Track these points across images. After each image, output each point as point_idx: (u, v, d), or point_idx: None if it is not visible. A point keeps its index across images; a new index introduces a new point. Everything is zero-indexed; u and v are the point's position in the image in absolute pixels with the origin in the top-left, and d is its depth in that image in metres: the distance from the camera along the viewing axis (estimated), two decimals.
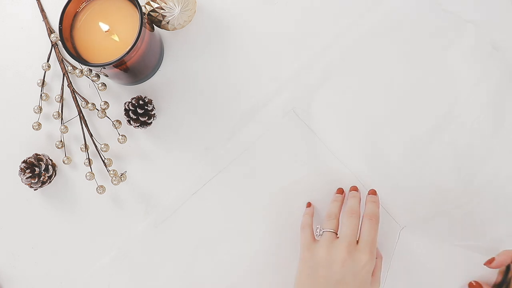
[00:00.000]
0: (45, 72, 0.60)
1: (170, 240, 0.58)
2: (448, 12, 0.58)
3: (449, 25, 0.58)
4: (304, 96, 0.59)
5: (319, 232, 0.52)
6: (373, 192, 0.55)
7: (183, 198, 0.58)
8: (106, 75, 0.55)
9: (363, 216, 0.52)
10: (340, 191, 0.56)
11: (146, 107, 0.56)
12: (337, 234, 0.51)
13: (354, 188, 0.56)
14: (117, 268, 0.57)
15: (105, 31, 0.52)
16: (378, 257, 0.53)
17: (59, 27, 0.50)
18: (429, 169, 0.56)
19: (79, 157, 0.59)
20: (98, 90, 0.58)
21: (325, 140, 0.58)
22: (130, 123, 0.56)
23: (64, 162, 0.58)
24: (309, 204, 0.56)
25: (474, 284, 0.54)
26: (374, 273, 0.51)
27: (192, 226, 0.57)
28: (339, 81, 0.58)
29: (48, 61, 0.60)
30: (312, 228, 0.54)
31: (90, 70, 0.56)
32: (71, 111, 0.59)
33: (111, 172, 0.56)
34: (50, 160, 0.58)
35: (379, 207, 0.54)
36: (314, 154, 0.58)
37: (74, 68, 0.58)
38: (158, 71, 0.60)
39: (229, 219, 0.57)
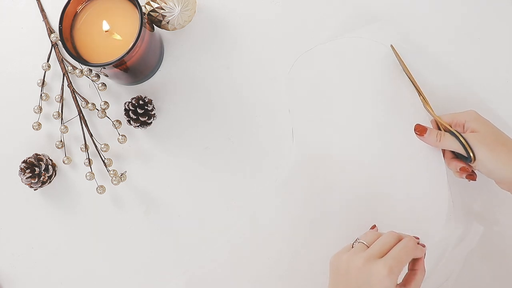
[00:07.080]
0: (45, 72, 0.60)
1: (170, 240, 0.57)
2: None
3: None
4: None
5: (355, 242, 0.50)
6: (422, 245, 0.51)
7: (183, 198, 0.58)
8: (106, 75, 0.55)
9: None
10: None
11: (146, 107, 0.56)
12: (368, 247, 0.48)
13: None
14: (117, 268, 0.58)
15: (105, 31, 0.52)
16: (418, 269, 0.49)
17: (59, 27, 0.50)
18: None
19: (79, 157, 0.59)
20: (98, 90, 0.58)
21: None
22: (130, 123, 0.56)
23: (64, 162, 0.58)
24: (373, 227, 0.54)
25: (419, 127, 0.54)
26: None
27: (192, 226, 0.57)
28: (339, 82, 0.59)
29: (48, 61, 0.60)
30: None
31: (90, 70, 0.56)
32: (71, 111, 0.59)
33: (111, 172, 0.56)
34: (50, 160, 0.58)
35: (423, 255, 0.49)
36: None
37: (74, 68, 0.58)
38: (158, 71, 0.60)
39: (230, 219, 0.57)
